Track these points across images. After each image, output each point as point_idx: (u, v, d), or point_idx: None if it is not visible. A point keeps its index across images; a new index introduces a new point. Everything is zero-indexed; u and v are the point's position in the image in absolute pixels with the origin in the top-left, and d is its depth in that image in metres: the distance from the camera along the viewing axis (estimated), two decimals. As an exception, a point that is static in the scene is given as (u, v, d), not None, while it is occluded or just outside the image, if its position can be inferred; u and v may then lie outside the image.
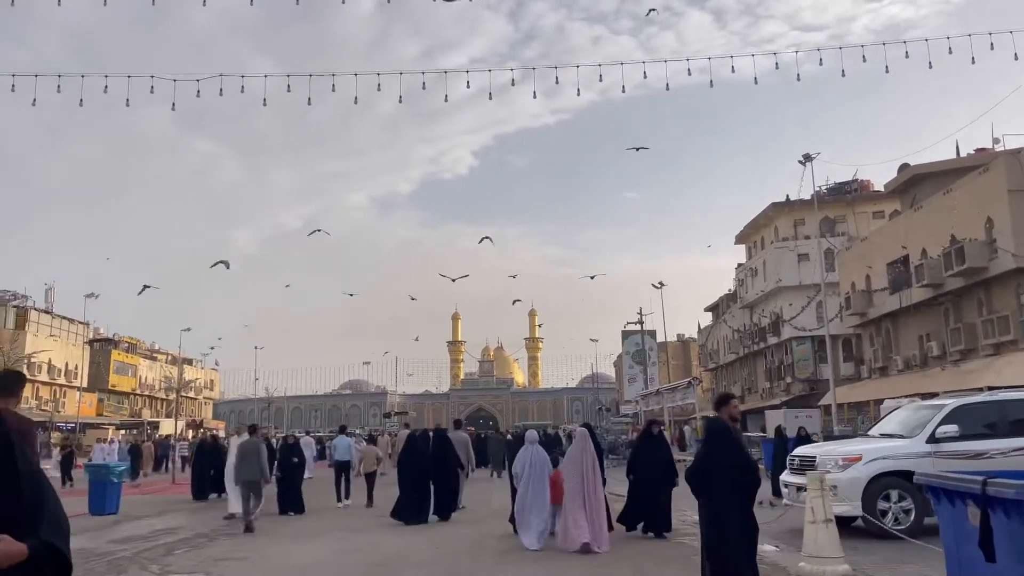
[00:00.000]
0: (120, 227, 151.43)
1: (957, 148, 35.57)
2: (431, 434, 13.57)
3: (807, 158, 32.96)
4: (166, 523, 12.15)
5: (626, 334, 65.82)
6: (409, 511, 11.39)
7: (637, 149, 47.99)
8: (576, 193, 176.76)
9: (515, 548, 8.59)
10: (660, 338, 63.45)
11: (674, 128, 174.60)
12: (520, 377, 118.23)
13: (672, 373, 71.96)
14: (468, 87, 14.08)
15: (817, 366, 44.62)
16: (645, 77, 15.51)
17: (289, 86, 13.43)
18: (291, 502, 13.63)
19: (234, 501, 12.42)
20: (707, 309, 65.30)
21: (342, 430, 18.29)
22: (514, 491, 9.63)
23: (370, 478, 15.48)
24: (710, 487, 5.25)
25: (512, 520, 9.45)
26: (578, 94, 14.92)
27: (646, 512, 9.20)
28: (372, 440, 19.04)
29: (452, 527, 10.84)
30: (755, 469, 5.44)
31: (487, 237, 46.73)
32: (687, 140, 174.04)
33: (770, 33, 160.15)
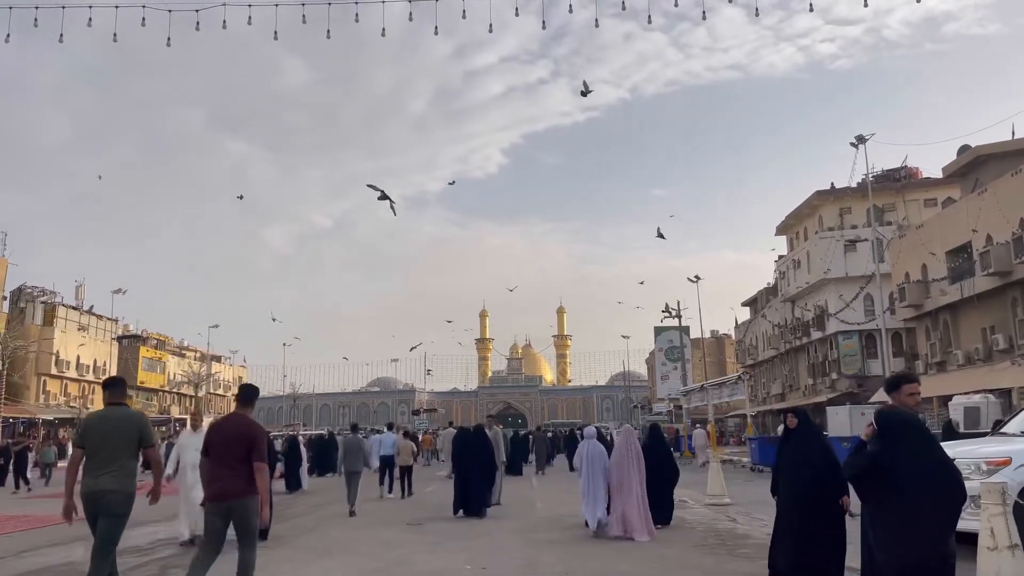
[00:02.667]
0: (152, 225, 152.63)
1: (1013, 130, 33.45)
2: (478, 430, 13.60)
3: (860, 140, 31.05)
4: (173, 530, 10.71)
5: (659, 330, 64.19)
6: (478, 502, 11.95)
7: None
8: (605, 190, 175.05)
9: (577, 569, 7.05)
10: (694, 334, 61.71)
11: (705, 124, 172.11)
12: (549, 375, 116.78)
13: (708, 370, 70.05)
14: (515, 12, 12.37)
15: (865, 362, 42.56)
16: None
17: (304, 17, 11.90)
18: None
19: (186, 522, 9.22)
20: (745, 304, 63.21)
21: (389, 427, 19.23)
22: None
23: (406, 471, 16.55)
24: (890, 496, 3.74)
25: None
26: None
27: (816, 545, 5.60)
28: (409, 435, 19.90)
29: (498, 538, 9.29)
30: (959, 476, 3.88)
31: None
32: (718, 136, 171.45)
33: (804, 27, 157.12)
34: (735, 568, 6.88)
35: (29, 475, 22.04)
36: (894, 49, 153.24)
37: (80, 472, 5.57)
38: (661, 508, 10.10)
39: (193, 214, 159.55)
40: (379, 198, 21.73)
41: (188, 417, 10.04)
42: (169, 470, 9.65)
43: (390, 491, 16.27)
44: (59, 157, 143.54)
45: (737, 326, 65.37)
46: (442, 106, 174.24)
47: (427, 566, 7.40)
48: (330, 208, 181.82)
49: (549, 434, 28.47)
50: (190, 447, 9.08)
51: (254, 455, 5.56)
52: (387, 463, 16.62)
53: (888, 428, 3.88)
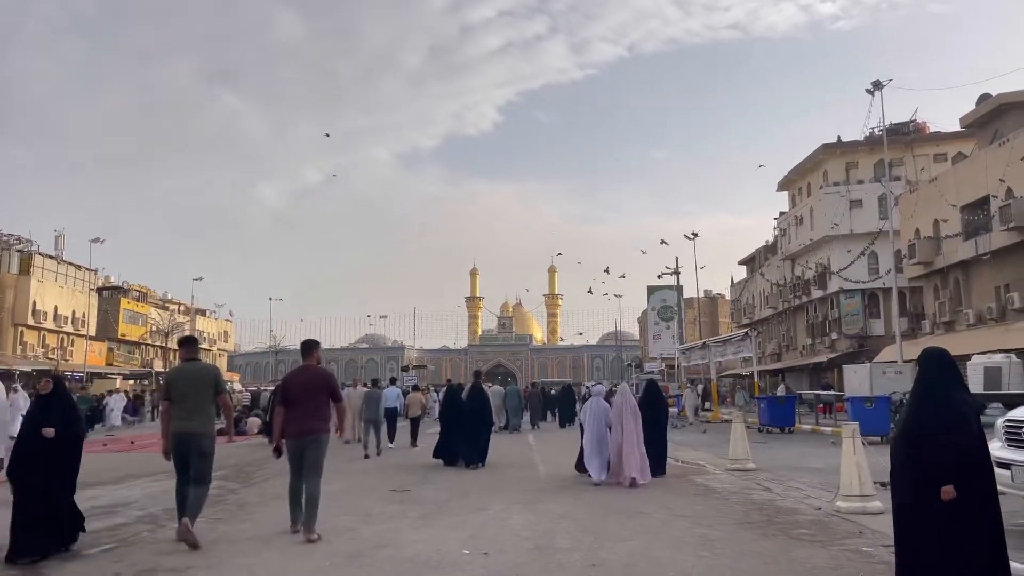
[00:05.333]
0: (140, 177, 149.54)
1: None
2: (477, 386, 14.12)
3: (877, 85, 29.30)
4: (117, 497, 9.18)
5: (652, 289, 63.30)
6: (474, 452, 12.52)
7: None
8: (601, 150, 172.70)
9: (605, 560, 5.53)
10: (689, 293, 60.62)
11: (704, 85, 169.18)
12: (539, 334, 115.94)
13: (702, 330, 69.03)
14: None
15: (867, 321, 41.37)
16: None
17: None
18: (27, 531, 5.62)
19: None
20: (741, 262, 61.81)
21: (392, 381, 20.35)
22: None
23: (415, 422, 18.05)
24: None
25: (577, 465, 11.17)
26: None
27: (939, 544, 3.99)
28: (416, 389, 21.00)
29: (499, 510, 7.71)
30: None
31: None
32: (717, 98, 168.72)
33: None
34: (808, 558, 5.40)
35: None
36: (896, 10, 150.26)
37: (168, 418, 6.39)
38: (659, 460, 10.82)
39: (182, 166, 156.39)
40: None
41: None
42: None
43: (391, 441, 17.30)
44: (46, 106, 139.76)
45: (733, 285, 64.10)
46: (437, 61, 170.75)
47: (413, 549, 5.89)
48: (322, 163, 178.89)
49: (553, 391, 28.81)
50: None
51: (335, 396, 6.66)
52: (389, 416, 17.41)
53: None
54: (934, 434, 3.85)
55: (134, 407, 32.55)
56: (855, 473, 7.29)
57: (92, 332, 55.32)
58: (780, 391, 34.25)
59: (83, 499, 8.89)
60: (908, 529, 3.96)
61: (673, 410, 34.20)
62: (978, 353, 23.89)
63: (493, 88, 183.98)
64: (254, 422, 21.81)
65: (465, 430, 12.71)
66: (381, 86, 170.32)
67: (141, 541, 6.41)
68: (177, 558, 5.64)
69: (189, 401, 6.25)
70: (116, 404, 28.67)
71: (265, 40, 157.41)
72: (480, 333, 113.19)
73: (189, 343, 6.93)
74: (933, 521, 3.78)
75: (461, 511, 7.69)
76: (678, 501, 8.20)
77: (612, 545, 5.89)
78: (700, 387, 38.25)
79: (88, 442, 19.54)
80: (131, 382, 56.34)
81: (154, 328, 60.98)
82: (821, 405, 28.31)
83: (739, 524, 6.73)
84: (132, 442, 19.13)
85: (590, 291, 75.92)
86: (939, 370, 4.07)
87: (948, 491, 3.67)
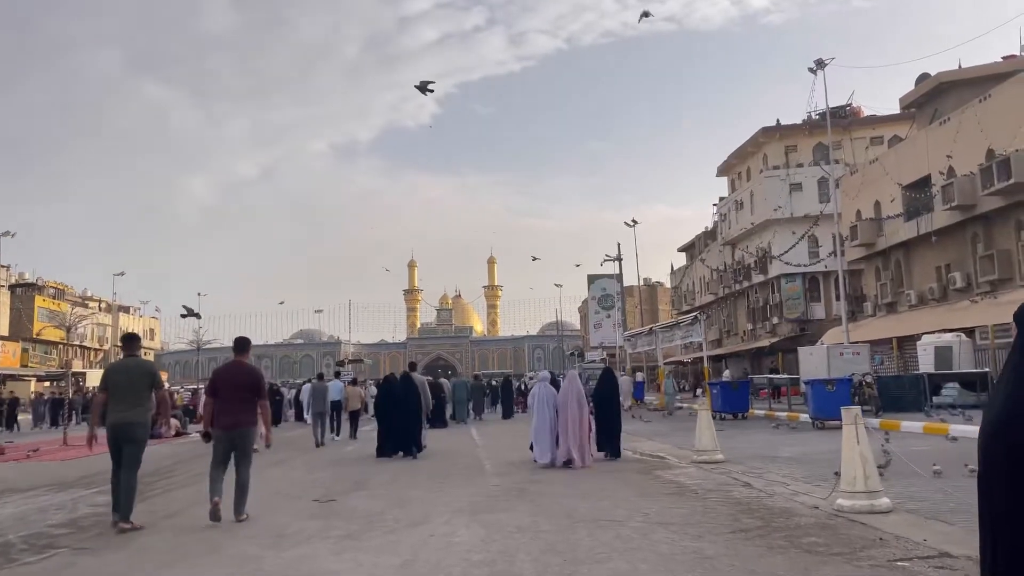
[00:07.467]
0: (62, 172, 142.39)
1: (960, 64, 31.75)
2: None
3: (819, 64, 28.82)
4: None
5: (592, 278, 62.59)
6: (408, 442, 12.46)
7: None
8: (540, 142, 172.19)
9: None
10: (629, 281, 60.20)
11: (641, 77, 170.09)
12: (479, 325, 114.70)
13: (643, 318, 68.84)
14: None
15: (808, 305, 41.34)
16: None
17: None
18: None
19: None
20: (681, 249, 61.61)
21: (336, 375, 20.59)
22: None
23: (354, 416, 18.20)
24: None
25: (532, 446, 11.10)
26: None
27: None
28: (355, 383, 21.08)
29: (442, 523, 6.37)
30: None
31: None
32: (654, 90, 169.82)
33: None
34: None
35: None
36: (824, 4, 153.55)
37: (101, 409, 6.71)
38: (611, 443, 11.17)
39: (105, 159, 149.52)
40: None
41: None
42: None
43: (337, 434, 17.56)
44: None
45: (673, 272, 63.94)
46: (374, 52, 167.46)
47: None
48: (257, 157, 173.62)
49: (495, 383, 28.44)
50: None
51: (259, 394, 6.84)
52: (333, 408, 17.58)
53: None
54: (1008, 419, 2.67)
55: (9, 416, 28.19)
56: (859, 465, 6.22)
57: (4, 332, 51.85)
58: (725, 376, 33.78)
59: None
60: (1009, 551, 2.80)
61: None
62: (927, 333, 23.59)
63: (430, 80, 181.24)
64: (173, 424, 19.99)
65: (398, 421, 12.66)
66: (317, 77, 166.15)
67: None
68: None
69: (126, 394, 6.52)
70: None
71: (194, 30, 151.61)
72: (419, 326, 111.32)
73: (130, 340, 7.18)
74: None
75: (396, 527, 6.30)
76: (652, 504, 6.98)
77: (588, 569, 4.61)
78: (638, 374, 37.57)
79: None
80: (47, 383, 53.00)
81: (55, 324, 57.27)
82: (766, 390, 27.81)
83: (733, 533, 5.53)
84: (30, 452, 17.06)
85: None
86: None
87: None
